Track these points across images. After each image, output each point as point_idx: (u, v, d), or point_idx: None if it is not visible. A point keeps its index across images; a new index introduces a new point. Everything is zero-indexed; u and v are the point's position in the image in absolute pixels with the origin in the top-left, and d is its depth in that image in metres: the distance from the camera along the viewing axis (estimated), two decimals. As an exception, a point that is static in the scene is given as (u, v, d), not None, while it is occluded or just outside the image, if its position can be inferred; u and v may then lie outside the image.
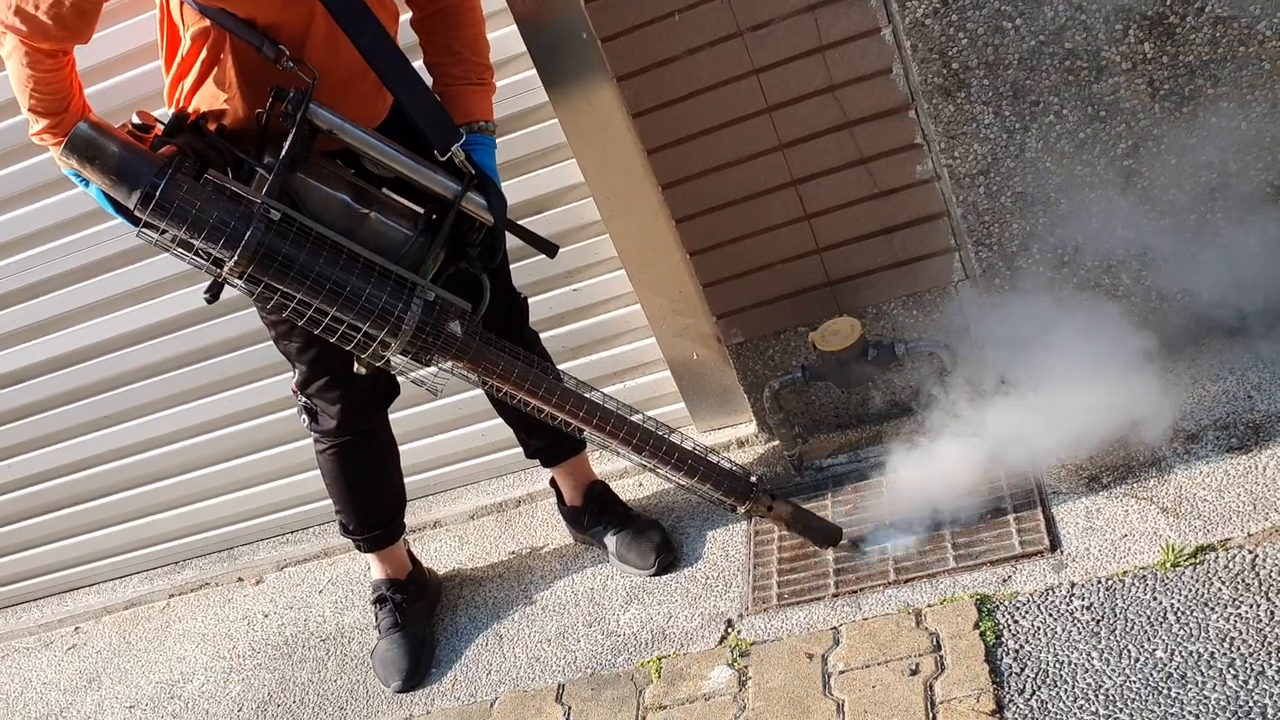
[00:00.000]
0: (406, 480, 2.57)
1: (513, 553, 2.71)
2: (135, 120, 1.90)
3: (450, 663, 2.48)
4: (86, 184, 1.95)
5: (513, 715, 2.27)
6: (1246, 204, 2.21)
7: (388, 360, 1.96)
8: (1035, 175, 2.25)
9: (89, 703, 2.82)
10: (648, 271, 2.51)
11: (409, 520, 2.63)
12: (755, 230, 2.40)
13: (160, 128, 1.88)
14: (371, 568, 2.60)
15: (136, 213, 1.83)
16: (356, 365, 1.99)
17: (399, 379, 2.34)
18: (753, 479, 2.21)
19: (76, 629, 3.11)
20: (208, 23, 1.87)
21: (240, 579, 3.01)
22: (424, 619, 2.57)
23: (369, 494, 2.47)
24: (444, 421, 2.84)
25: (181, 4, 1.89)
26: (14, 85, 1.89)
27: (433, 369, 1.99)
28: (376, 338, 1.90)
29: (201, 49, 1.91)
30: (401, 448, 2.53)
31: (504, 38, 2.28)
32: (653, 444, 2.12)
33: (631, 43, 2.22)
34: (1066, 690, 1.83)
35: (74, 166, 1.86)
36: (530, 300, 2.41)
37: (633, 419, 2.14)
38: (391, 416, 2.45)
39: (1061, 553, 2.08)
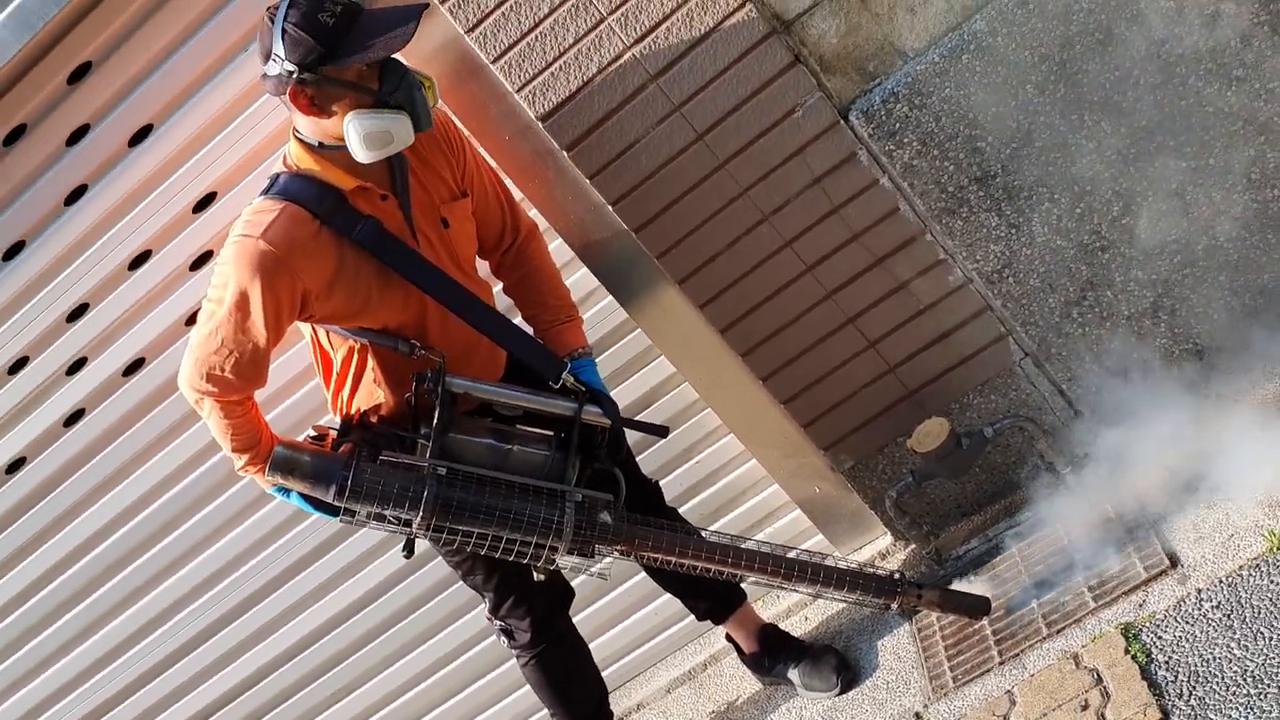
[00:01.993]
0: (603, 672, 2.78)
1: (713, 713, 2.91)
2: (311, 433, 2.29)
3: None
4: (287, 494, 2.30)
5: None
6: (1244, 219, 2.43)
7: (557, 562, 2.25)
8: (1051, 254, 2.52)
9: None
10: (753, 430, 2.79)
11: (614, 708, 2.83)
12: (831, 368, 2.68)
13: (333, 433, 2.25)
14: (598, 758, 2.82)
15: (335, 503, 2.18)
16: (535, 574, 2.28)
17: (573, 584, 2.65)
18: (896, 575, 2.42)
19: None
20: (351, 340, 2.27)
21: (486, 803, 3.24)
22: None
23: (575, 689, 2.69)
24: (619, 611, 3.09)
25: (328, 333, 2.28)
26: (216, 435, 2.22)
27: (605, 561, 2.26)
28: (545, 545, 2.20)
29: (350, 363, 2.29)
30: (590, 644, 2.76)
31: (581, 278, 2.69)
32: (801, 570, 2.36)
33: (681, 251, 2.60)
34: (1219, 683, 1.98)
35: (278, 482, 2.22)
36: (661, 482, 2.69)
37: (781, 554, 2.38)
38: (574, 618, 2.69)
39: (1182, 567, 2.24)
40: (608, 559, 2.32)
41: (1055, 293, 2.56)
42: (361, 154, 2.07)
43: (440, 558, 2.58)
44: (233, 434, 2.21)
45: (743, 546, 2.37)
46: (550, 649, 2.62)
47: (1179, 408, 2.46)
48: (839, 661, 2.68)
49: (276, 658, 3.21)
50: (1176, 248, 2.49)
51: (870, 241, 2.56)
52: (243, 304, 2.07)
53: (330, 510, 2.25)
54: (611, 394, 2.37)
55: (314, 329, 2.29)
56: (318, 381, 2.43)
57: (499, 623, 2.59)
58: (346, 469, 2.15)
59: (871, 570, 2.44)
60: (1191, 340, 2.55)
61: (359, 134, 2.05)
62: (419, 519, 2.16)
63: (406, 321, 2.24)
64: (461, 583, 2.60)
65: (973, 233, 2.52)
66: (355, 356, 2.28)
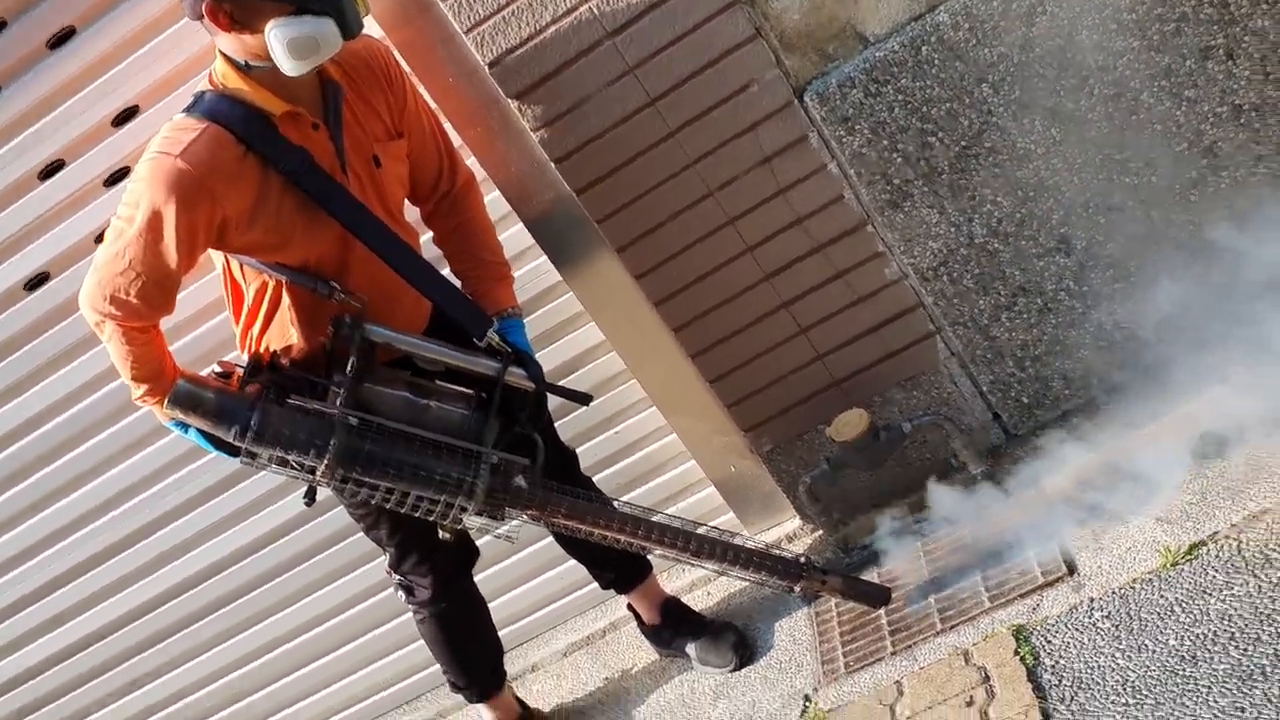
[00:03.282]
0: (501, 633, 2.80)
1: (607, 679, 2.94)
2: (216, 369, 2.22)
3: (571, 785, 2.69)
4: (185, 429, 2.22)
5: (634, 820, 2.49)
6: (1180, 240, 2.49)
7: (465, 522, 2.24)
8: (988, 256, 2.55)
9: None
10: (677, 404, 2.80)
11: (509, 668, 2.86)
12: (761, 350, 2.69)
13: (239, 371, 2.18)
14: (484, 717, 2.83)
15: (237, 444, 2.12)
16: (442, 533, 2.27)
17: (478, 544, 2.63)
18: (801, 559, 2.46)
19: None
20: (265, 276, 2.19)
21: (369, 753, 3.25)
22: (541, 755, 2.79)
23: (470, 649, 2.70)
24: (523, 574, 3.10)
25: (241, 265, 2.20)
26: (116, 362, 2.13)
27: (511, 524, 2.26)
28: (455, 505, 2.18)
29: (264, 298, 2.22)
30: (491, 604, 2.76)
31: (515, 235, 2.65)
32: (709, 547, 2.38)
33: (622, 219, 2.57)
34: (1100, 690, 2.05)
35: (177, 417, 2.16)
36: (578, 450, 2.69)
37: (690, 530, 2.39)
38: (477, 578, 2.69)
39: (1078, 575, 2.31)
40: (516, 522, 2.31)
41: (987, 295, 2.60)
42: (288, 65, 1.98)
43: (343, 507, 2.54)
44: (133, 362, 2.12)
45: (653, 520, 2.38)
46: (449, 607, 2.61)
47: (1096, 420, 2.52)
48: (737, 639, 2.71)
49: (166, 591, 3.15)
50: (1110, 263, 2.54)
51: (813, 227, 2.56)
52: (154, 225, 1.99)
53: (231, 451, 2.19)
54: (537, 357, 2.34)
55: (227, 259, 2.21)
56: (227, 315, 2.35)
57: (399, 578, 2.57)
58: (252, 410, 2.11)
59: (778, 552, 2.47)
60: (1115, 354, 2.61)
61: (282, 42, 1.95)
62: (324, 468, 2.12)
63: (328, 261, 2.18)
64: (363, 534, 2.57)
65: (913, 228, 2.55)
66: (270, 293, 2.20)
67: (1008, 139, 2.45)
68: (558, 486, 2.32)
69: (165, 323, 2.18)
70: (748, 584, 2.70)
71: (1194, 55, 2.35)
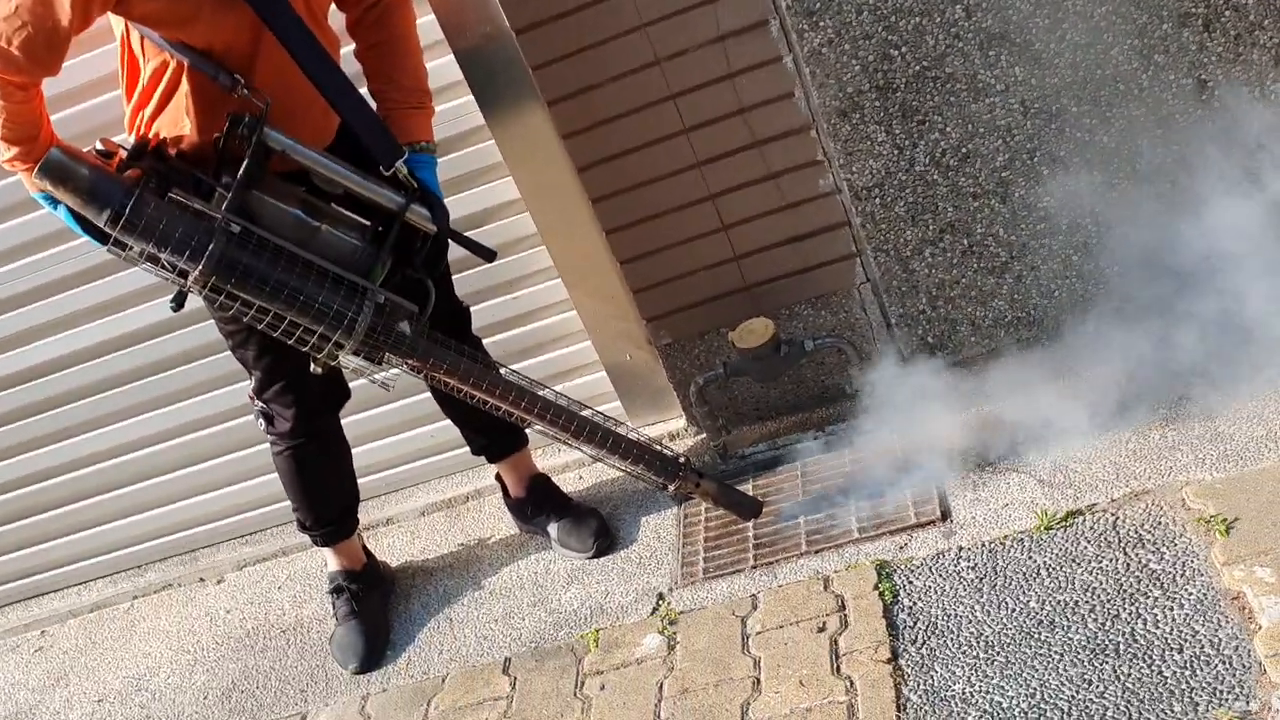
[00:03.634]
0: (360, 481, 2.72)
1: (462, 544, 2.88)
2: (99, 146, 2.04)
3: (404, 646, 2.64)
4: (55, 205, 2.07)
5: (463, 687, 2.45)
6: (1113, 206, 2.46)
7: (341, 360, 2.12)
8: (925, 187, 2.48)
9: (57, 699, 2.95)
10: (582, 280, 2.70)
11: (363, 519, 2.78)
12: (678, 240, 2.60)
13: (123, 153, 2.02)
14: (328, 561, 2.75)
15: (107, 229, 1.97)
16: (314, 366, 2.14)
17: (350, 385, 2.53)
18: (681, 459, 2.40)
19: (43, 633, 3.23)
20: (166, 55, 2.02)
21: (202, 579, 3.15)
22: (379, 607, 2.72)
23: (324, 492, 2.62)
24: (394, 424, 3.00)
25: (142, 38, 2.03)
26: None
27: (391, 371, 2.15)
28: (331, 339, 2.06)
29: (161, 79, 2.06)
30: (355, 450, 2.68)
31: (442, 66, 2.47)
32: (592, 432, 2.31)
33: (560, 70, 2.43)
34: (953, 639, 2.05)
35: (46, 189, 1.99)
36: (473, 309, 2.57)
37: (574, 410, 2.31)
38: (344, 420, 2.60)
39: (951, 522, 2.31)
40: (395, 370, 2.19)
41: (915, 227, 2.53)
42: None
43: (212, 320, 2.39)
44: (5, 119, 1.96)
45: (538, 394, 2.30)
46: (309, 444, 2.52)
47: (997, 371, 2.49)
48: (600, 526, 2.67)
49: (6, 377, 2.98)
50: (1043, 215, 2.49)
51: (755, 121, 2.45)
52: None
53: (100, 237, 2.04)
54: (445, 201, 2.20)
55: (127, 30, 2.04)
56: (119, 94, 2.19)
57: (260, 404, 2.47)
58: (127, 196, 1.96)
59: (659, 448, 2.41)
60: (1027, 309, 2.58)
61: None
62: (197, 273, 1.99)
63: (235, 50, 2.02)
64: (229, 354, 2.45)
65: (857, 142, 2.45)
66: (168, 74, 2.07)
67: (969, 68, 2.36)
68: (444, 341, 2.22)
69: (50, 88, 2.03)
70: (621, 475, 2.65)
71: (1172, 19, 2.28)
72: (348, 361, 2.14)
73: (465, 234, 2.26)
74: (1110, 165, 2.43)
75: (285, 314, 2.04)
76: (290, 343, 2.09)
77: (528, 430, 2.59)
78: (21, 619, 3.29)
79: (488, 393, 2.25)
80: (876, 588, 2.21)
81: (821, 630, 2.16)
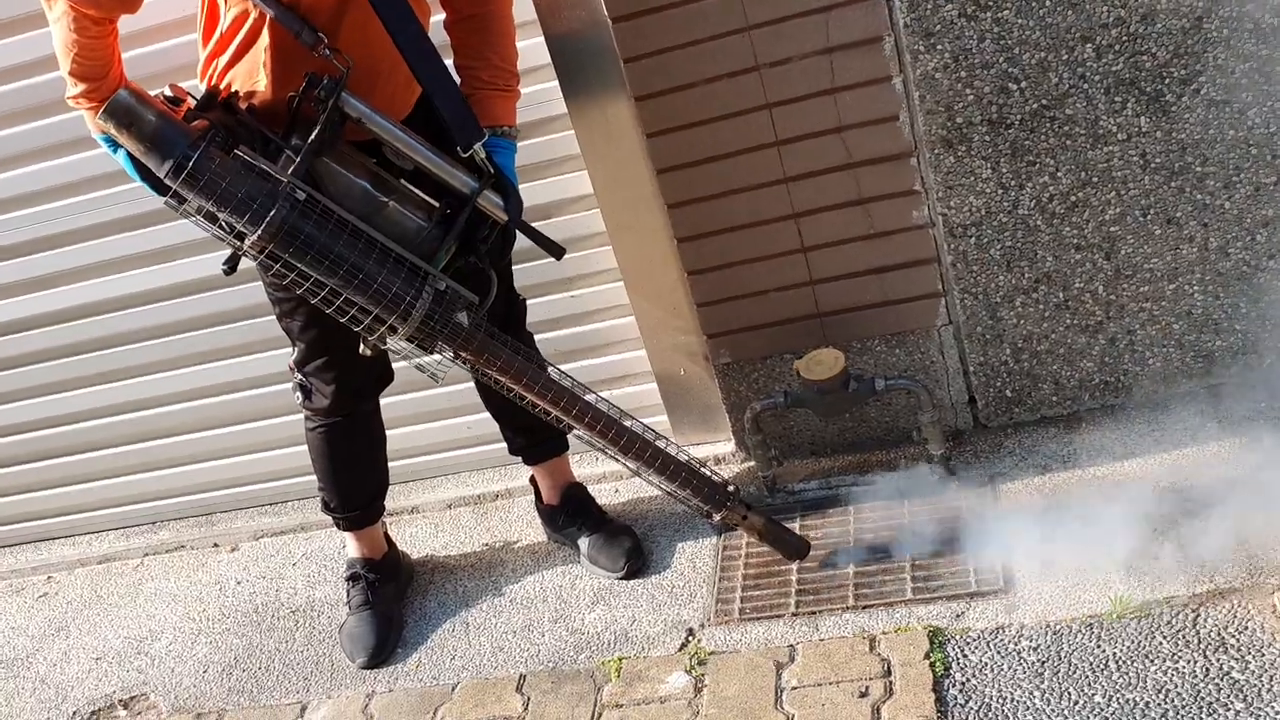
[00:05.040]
0: (390, 464, 2.62)
1: (486, 545, 2.78)
2: (168, 92, 1.95)
3: (416, 645, 2.53)
4: (115, 149, 1.99)
5: (473, 700, 2.33)
6: (1227, 278, 2.31)
7: (390, 344, 2.02)
8: (1026, 232, 2.34)
9: (55, 650, 2.86)
10: (645, 285, 2.59)
11: (388, 504, 2.68)
12: (753, 257, 2.48)
13: (191, 101, 1.94)
14: (348, 546, 2.66)
15: (167, 181, 1.87)
16: (363, 347, 2.04)
17: (394, 367, 2.43)
18: (730, 487, 2.28)
19: (49, 578, 3.15)
20: (249, 3, 1.93)
21: (216, 545, 3.06)
22: (394, 600, 2.63)
23: (353, 475, 2.52)
24: (433, 410, 2.90)
25: None
26: (57, 48, 1.93)
27: (435, 357, 2.05)
28: (386, 321, 1.96)
29: (240, 28, 1.97)
30: (389, 432, 2.58)
31: (532, 47, 2.35)
32: (638, 446, 2.19)
33: (653, 65, 2.30)
34: (1007, 725, 1.91)
35: (109, 131, 1.90)
36: (529, 303, 2.47)
37: (621, 421, 2.20)
38: (382, 401, 2.51)
39: (1015, 594, 2.16)
40: (445, 359, 2.09)
41: (1010, 273, 2.39)
42: None
43: (260, 283, 2.30)
44: (77, 53, 1.91)
45: (585, 398, 2.18)
46: (346, 424, 2.43)
47: (1082, 434, 2.35)
48: (633, 546, 2.55)
49: (46, 315, 2.90)
50: (1148, 276, 2.34)
51: (853, 141, 2.31)
52: None
53: (159, 187, 1.95)
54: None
55: (211, -29, 1.94)
56: (196, 38, 2.10)
57: (300, 377, 2.37)
58: (193, 148, 1.87)
59: (708, 472, 2.29)
60: (1117, 374, 2.43)
61: None
62: (255, 237, 1.89)
63: (321, 7, 1.92)
64: (274, 320, 2.35)
65: (960, 175, 2.31)
66: (249, 24, 1.98)
67: (1092, 112, 2.21)
68: (499, 335, 2.11)
69: (125, 25, 1.97)
70: (660, 495, 2.49)
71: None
72: (398, 346, 2.04)
73: (534, 226, 2.14)
74: (1229, 233, 2.28)
75: (341, 290, 1.94)
76: (343, 321, 1.99)
77: (570, 435, 2.48)
78: (30, 561, 3.22)
79: (534, 393, 2.14)
80: (928, 656, 2.08)
81: (864, 695, 2.03)
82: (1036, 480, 2.37)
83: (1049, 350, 2.45)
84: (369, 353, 2.06)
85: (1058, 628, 2.06)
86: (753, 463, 2.67)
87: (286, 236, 1.88)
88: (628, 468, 2.27)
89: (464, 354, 2.06)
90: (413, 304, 1.94)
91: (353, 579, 2.62)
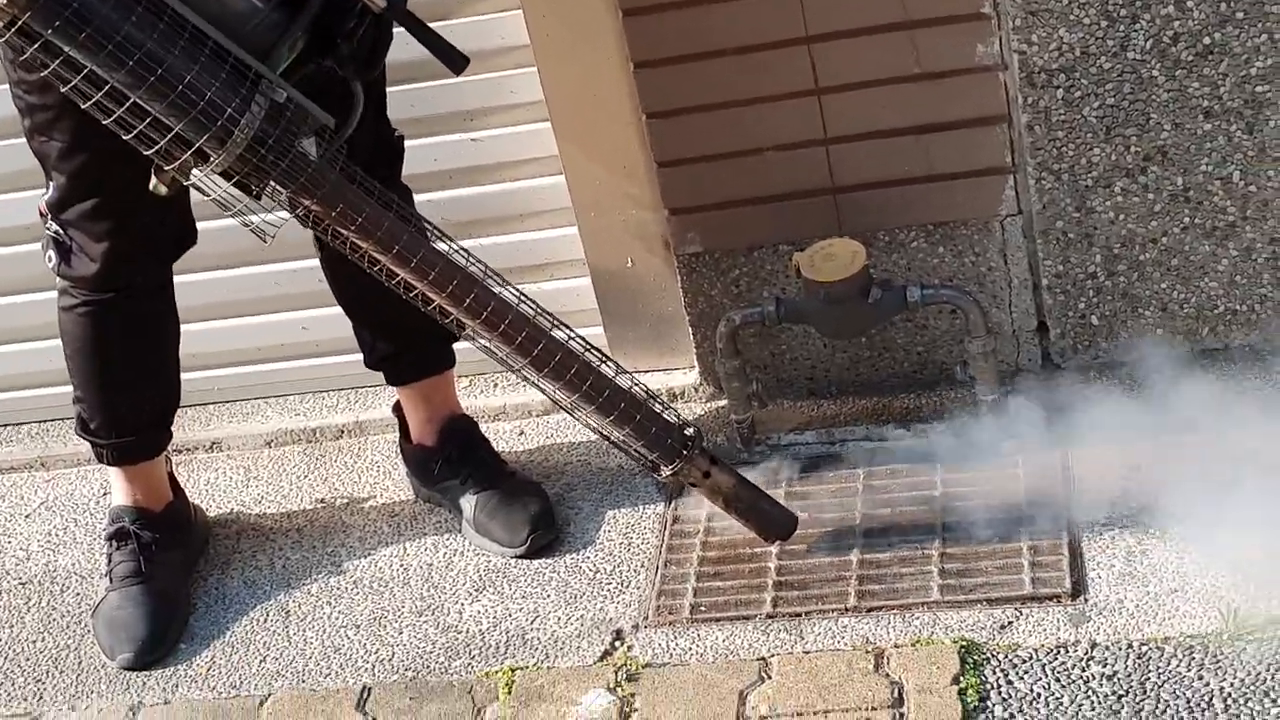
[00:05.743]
0: (184, 376, 2.66)
1: (322, 500, 2.84)
2: None
3: (210, 639, 2.58)
4: None
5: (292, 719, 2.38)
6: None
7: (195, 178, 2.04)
8: (1136, 86, 2.41)
9: None
10: (583, 129, 2.64)
11: (176, 434, 2.73)
12: (744, 98, 2.53)
13: None
14: (113, 489, 2.70)
15: None
16: (155, 182, 2.06)
17: (199, 223, 2.46)
18: (689, 431, 2.34)
19: None
20: None
21: (-88, 484, 3.09)
22: (178, 572, 2.68)
23: (130, 380, 2.56)
24: (254, 300, 2.97)
25: None
26: None
27: (269, 213, 2.08)
28: (194, 144, 1.98)
29: None
30: (184, 327, 2.62)
31: None
32: (568, 364, 2.23)
33: None
34: (1063, 782, 2.01)
35: None
36: (408, 143, 2.51)
37: (547, 329, 2.24)
38: (178, 277, 2.54)
39: (1085, 601, 2.25)
40: (282, 215, 2.11)
41: (1109, 143, 2.49)
42: None
43: (8, 82, 2.32)
44: None
45: (495, 290, 2.22)
46: (121, 302, 2.49)
47: (1194, 384, 2.46)
48: (540, 511, 2.63)
49: None
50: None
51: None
52: None
53: None
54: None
55: None
56: None
57: (55, 227, 2.42)
58: None
59: (659, 408, 2.34)
60: (1250, 302, 2.55)
61: None
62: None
63: None
64: (23, 139, 2.38)
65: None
66: None
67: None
68: (364, 179, 2.14)
69: None
70: (591, 438, 2.58)
71: None
72: (210, 185, 2.06)
73: (427, 26, 2.16)
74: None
75: (129, 93, 1.95)
76: (125, 138, 2.00)
77: (460, 344, 2.53)
78: None
79: (409, 270, 2.17)
80: (957, 681, 2.16)
81: (861, 731, 2.12)
82: (1123, 447, 2.44)
83: (1157, 260, 2.54)
84: (164, 192, 2.07)
85: (1143, 649, 2.14)
86: (724, 401, 2.76)
87: (53, 7, 1.88)
88: (546, 395, 2.32)
89: (307, 202, 2.08)
90: (235, 118, 1.96)
91: (118, 537, 2.66)
